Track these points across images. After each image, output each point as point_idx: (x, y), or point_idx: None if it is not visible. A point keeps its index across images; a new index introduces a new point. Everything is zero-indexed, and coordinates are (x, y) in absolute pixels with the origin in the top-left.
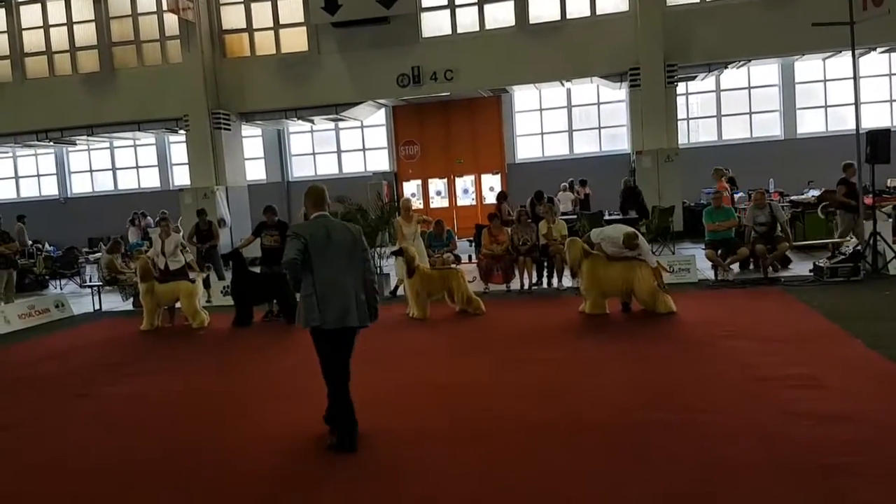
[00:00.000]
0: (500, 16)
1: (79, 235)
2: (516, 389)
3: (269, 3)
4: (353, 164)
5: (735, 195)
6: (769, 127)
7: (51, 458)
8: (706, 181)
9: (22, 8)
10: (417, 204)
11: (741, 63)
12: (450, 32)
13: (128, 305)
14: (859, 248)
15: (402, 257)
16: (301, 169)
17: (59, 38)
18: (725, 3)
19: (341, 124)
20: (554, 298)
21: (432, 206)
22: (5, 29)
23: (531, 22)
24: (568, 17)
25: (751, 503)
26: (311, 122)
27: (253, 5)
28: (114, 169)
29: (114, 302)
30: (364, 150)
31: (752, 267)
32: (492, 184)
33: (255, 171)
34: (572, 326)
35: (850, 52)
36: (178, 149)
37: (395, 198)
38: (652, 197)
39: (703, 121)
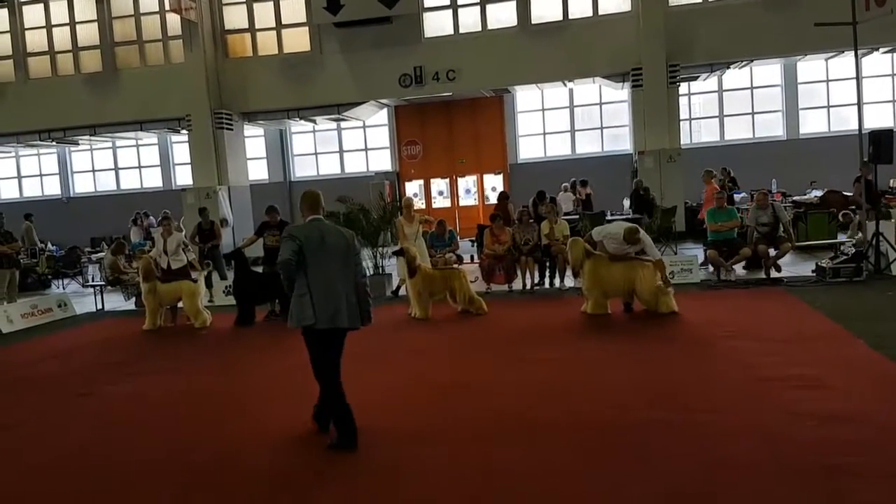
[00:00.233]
0: (503, 16)
1: (81, 235)
2: (518, 389)
3: (272, 3)
4: (356, 164)
5: (737, 195)
6: (772, 127)
7: (53, 458)
8: None
9: (24, 8)
10: (419, 204)
11: (743, 63)
12: (452, 32)
13: (130, 305)
14: (861, 248)
15: (404, 257)
16: (303, 169)
17: (61, 38)
18: (728, 3)
19: (343, 124)
20: (556, 299)
21: (434, 206)
22: (8, 29)
23: (533, 22)
24: (570, 17)
25: (753, 503)
26: (314, 122)
27: (255, 5)
28: (116, 169)
29: (116, 301)
30: (366, 150)
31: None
32: (494, 184)
33: (258, 170)
34: (574, 326)
35: (852, 53)
36: (181, 149)
37: (397, 198)
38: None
39: (705, 121)
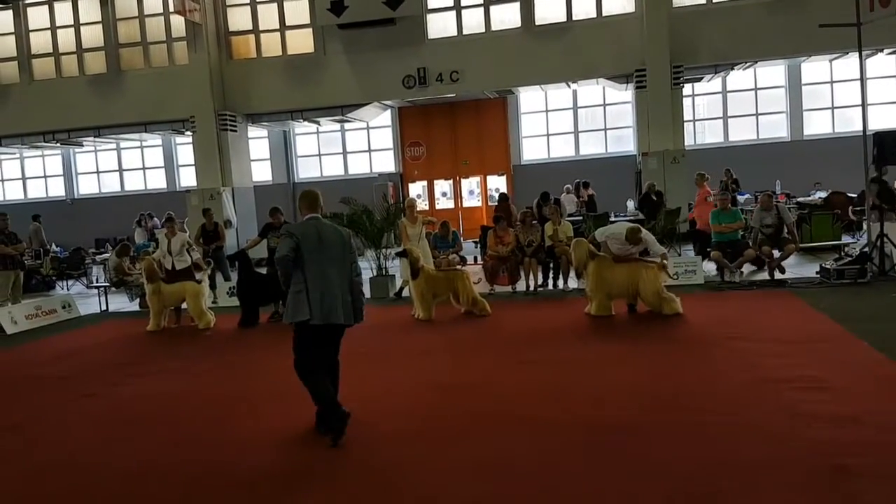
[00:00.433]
0: (506, 17)
1: (85, 236)
2: (521, 390)
3: (276, 4)
4: (359, 166)
5: (740, 196)
6: (776, 128)
7: (57, 458)
8: (712, 183)
9: (29, 10)
10: (423, 205)
11: (747, 64)
12: (456, 34)
13: (134, 306)
14: (866, 249)
15: (407, 258)
16: (307, 170)
17: (66, 39)
18: (732, 4)
19: (347, 125)
20: (559, 300)
21: (438, 207)
22: (13, 31)
23: (537, 23)
24: (574, 18)
25: None
26: (317, 123)
27: (259, 7)
28: (120, 170)
29: (120, 303)
30: (370, 151)
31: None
32: (497, 185)
33: (262, 172)
34: (578, 328)
35: (856, 54)
36: (185, 150)
37: (400, 199)
38: None
39: (709, 122)
